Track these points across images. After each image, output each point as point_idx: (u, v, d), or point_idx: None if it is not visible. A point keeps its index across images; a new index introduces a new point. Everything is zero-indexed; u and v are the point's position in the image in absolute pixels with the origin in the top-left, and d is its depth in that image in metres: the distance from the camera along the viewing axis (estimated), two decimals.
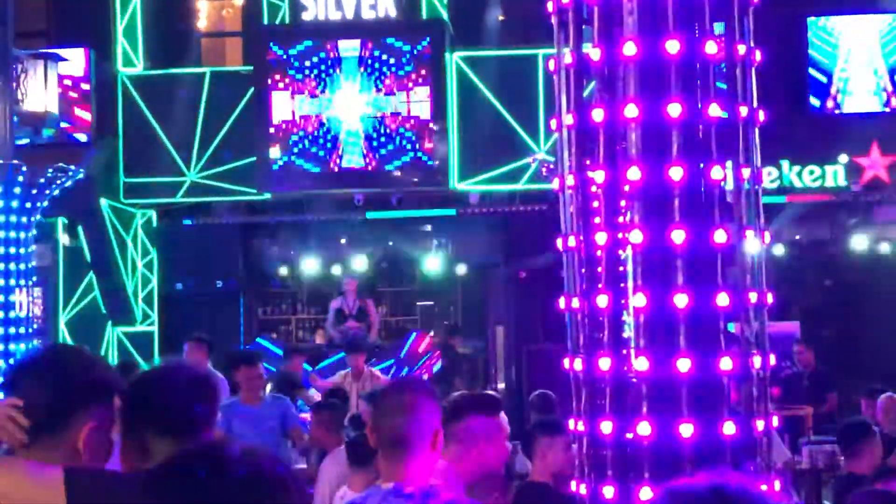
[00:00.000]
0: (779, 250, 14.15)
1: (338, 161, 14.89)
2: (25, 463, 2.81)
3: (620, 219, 4.27)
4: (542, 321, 14.92)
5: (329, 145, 14.89)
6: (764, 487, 1.18)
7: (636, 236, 4.16)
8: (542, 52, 14.35)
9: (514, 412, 10.84)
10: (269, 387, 10.64)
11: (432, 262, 16.47)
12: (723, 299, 4.16)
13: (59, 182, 11.82)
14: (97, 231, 15.39)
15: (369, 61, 14.79)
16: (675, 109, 4.18)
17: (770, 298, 4.32)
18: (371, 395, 9.64)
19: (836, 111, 15.24)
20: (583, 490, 4.27)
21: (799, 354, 13.19)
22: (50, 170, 11.69)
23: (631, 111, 4.23)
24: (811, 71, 15.22)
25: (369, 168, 14.85)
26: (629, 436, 4.14)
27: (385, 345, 15.45)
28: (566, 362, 4.38)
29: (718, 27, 4.32)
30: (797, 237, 15.61)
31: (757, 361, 4.23)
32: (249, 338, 16.04)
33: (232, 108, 15.24)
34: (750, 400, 4.20)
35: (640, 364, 4.09)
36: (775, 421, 4.27)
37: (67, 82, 14.90)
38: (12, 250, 11.55)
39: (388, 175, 14.83)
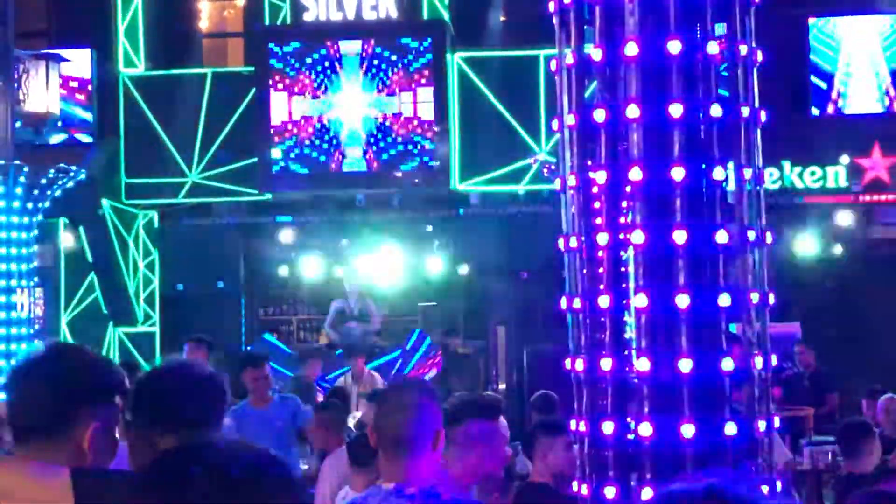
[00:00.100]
0: (779, 251, 14.15)
1: (339, 162, 14.89)
2: (31, 463, 2.79)
3: (622, 219, 4.26)
4: (543, 322, 14.91)
5: (330, 146, 14.89)
6: (765, 488, 1.17)
7: (638, 236, 4.16)
8: (544, 53, 14.34)
9: (515, 413, 10.86)
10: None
11: (434, 263, 16.46)
12: (724, 300, 4.16)
13: (60, 183, 11.82)
14: (99, 231, 15.39)
15: (371, 62, 14.79)
16: (676, 109, 4.18)
17: (771, 299, 4.31)
18: (372, 396, 9.65)
19: (838, 112, 15.23)
20: (584, 490, 4.27)
21: (800, 355, 13.19)
22: (51, 170, 11.69)
23: (632, 111, 4.23)
24: (812, 72, 15.22)
25: (370, 169, 14.85)
26: (631, 436, 4.13)
27: (386, 345, 15.44)
28: (568, 363, 4.38)
29: (720, 28, 4.32)
30: (797, 238, 15.60)
31: (758, 362, 4.23)
32: (250, 338, 16.04)
33: (233, 109, 15.24)
34: (751, 400, 4.19)
35: (642, 364, 4.09)
36: (777, 421, 4.26)
37: (72, 83, 14.92)
38: (14, 251, 11.55)
39: (389, 176, 14.83)
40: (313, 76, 14.83)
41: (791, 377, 12.94)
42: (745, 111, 4.35)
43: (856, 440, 7.55)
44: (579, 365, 4.34)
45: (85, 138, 15.55)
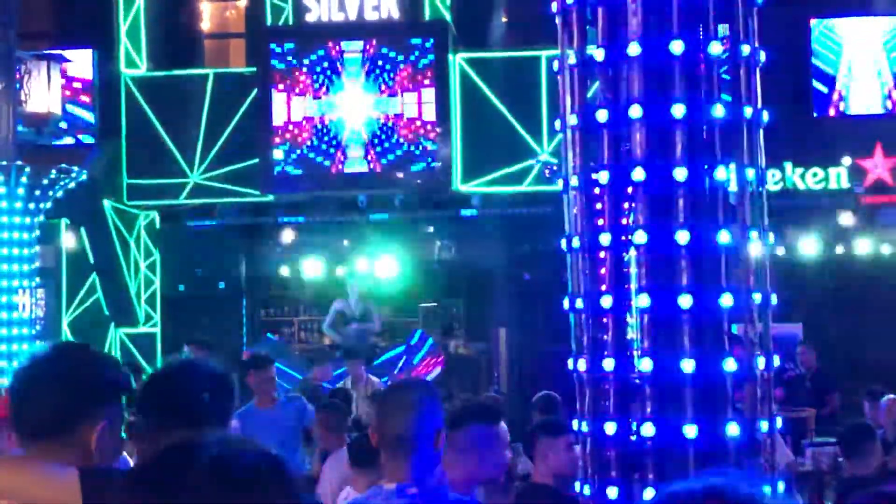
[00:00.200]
0: (781, 252, 14.14)
1: (340, 163, 14.89)
2: (40, 463, 2.79)
3: (625, 220, 4.26)
4: (545, 323, 14.90)
5: (332, 147, 14.88)
6: (767, 488, 1.16)
7: (640, 237, 4.15)
8: (546, 54, 14.33)
9: (516, 414, 10.84)
10: None
11: (435, 264, 16.47)
12: (727, 300, 4.15)
13: (62, 183, 11.82)
14: (100, 232, 15.39)
15: (373, 63, 14.79)
16: (679, 110, 4.17)
17: (774, 299, 4.30)
18: (373, 396, 9.65)
19: (840, 113, 15.22)
20: (587, 491, 4.26)
21: (801, 356, 13.18)
22: (53, 171, 11.69)
23: (635, 111, 4.23)
24: (814, 74, 15.21)
25: (372, 170, 14.85)
26: (633, 437, 4.13)
27: (386, 345, 15.43)
28: (570, 363, 4.37)
29: (723, 30, 4.32)
30: (799, 239, 15.59)
31: (761, 362, 4.22)
32: (252, 339, 16.04)
33: (235, 110, 15.24)
34: (754, 401, 4.19)
35: (645, 365, 4.08)
36: (779, 422, 4.25)
37: (75, 84, 14.92)
38: (15, 251, 11.55)
39: (390, 177, 14.82)
40: (315, 77, 14.83)
41: (792, 378, 12.93)
42: (748, 112, 4.34)
43: (858, 442, 7.54)
44: (582, 365, 4.34)
45: (87, 139, 15.55)
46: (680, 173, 4.16)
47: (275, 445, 1.80)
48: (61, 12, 16.06)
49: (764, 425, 4.18)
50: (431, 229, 16.40)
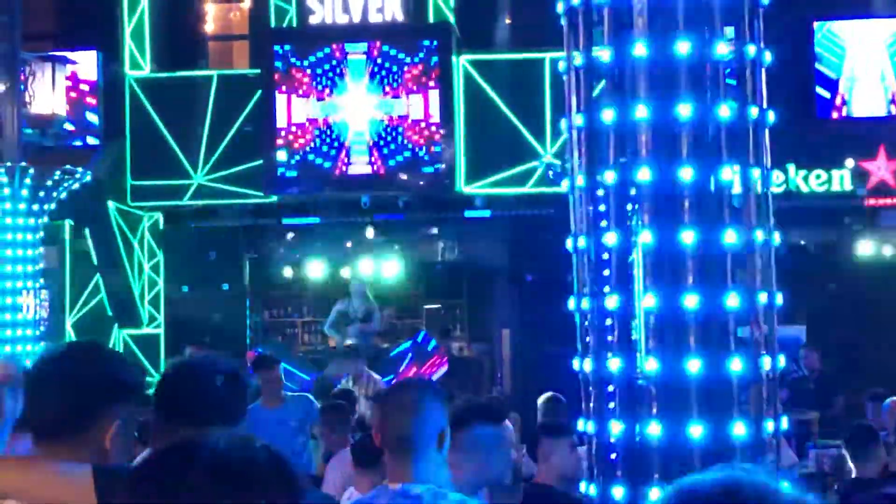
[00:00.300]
0: (784, 253, 14.09)
1: (344, 164, 14.89)
2: (55, 462, 2.78)
3: (631, 222, 4.26)
4: (548, 324, 14.90)
5: (335, 148, 14.89)
6: (784, 483, 1.16)
7: (646, 237, 4.15)
8: (549, 56, 14.34)
9: (520, 415, 10.82)
10: None
11: (438, 266, 16.47)
12: (733, 300, 4.15)
13: (66, 184, 11.84)
14: (104, 234, 15.40)
15: (376, 64, 14.79)
16: (684, 111, 4.17)
17: (780, 299, 4.30)
18: (375, 396, 9.65)
19: (843, 115, 15.22)
20: (593, 491, 4.26)
21: (805, 358, 13.17)
22: (57, 172, 11.71)
23: (641, 112, 4.23)
24: (818, 75, 15.20)
25: (375, 171, 14.85)
26: (639, 437, 4.13)
27: (389, 346, 15.42)
28: (576, 363, 4.37)
29: (728, 32, 4.32)
30: (802, 241, 15.59)
31: (766, 363, 4.22)
32: (255, 341, 16.05)
33: (239, 112, 15.25)
34: (760, 401, 4.18)
35: (650, 365, 4.08)
36: (785, 422, 4.25)
37: (81, 86, 14.94)
38: (20, 252, 11.57)
39: (394, 178, 14.82)
40: (318, 78, 14.84)
41: (796, 380, 12.92)
42: (754, 112, 4.34)
43: (862, 444, 7.55)
44: (587, 366, 4.34)
45: (91, 140, 15.57)
46: (685, 174, 4.16)
47: (280, 445, 1.80)
48: (66, 14, 16.08)
49: (770, 426, 4.17)
50: (435, 231, 16.41)
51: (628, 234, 4.22)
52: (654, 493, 4.01)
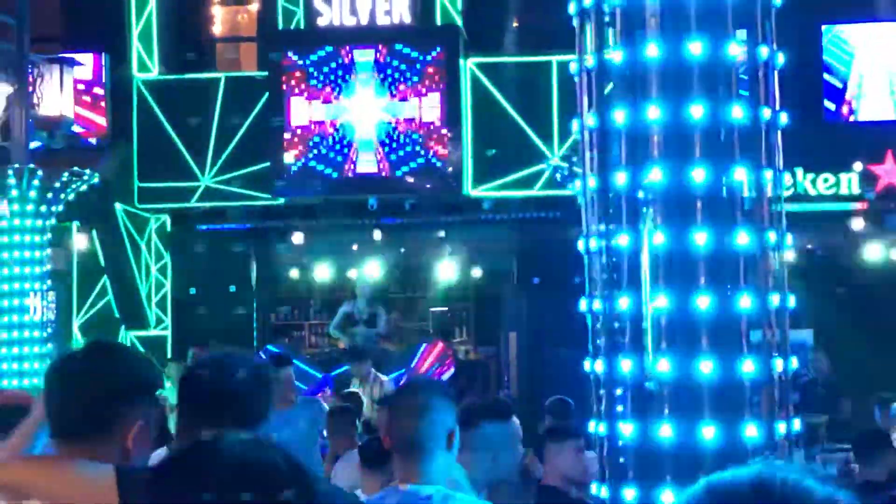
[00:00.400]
0: (792, 257, 14.10)
1: (352, 166, 14.90)
2: (78, 463, 2.77)
3: (643, 224, 4.25)
4: (555, 327, 14.89)
5: (343, 151, 14.90)
6: (810, 481, 1.14)
7: (658, 239, 4.14)
8: (557, 59, 14.34)
9: (527, 418, 10.82)
10: None
11: (445, 269, 16.46)
12: (745, 302, 4.14)
13: (73, 186, 11.85)
14: (111, 235, 15.43)
15: (384, 67, 14.80)
16: (697, 112, 4.16)
17: (792, 301, 4.29)
18: (385, 398, 9.64)
19: (851, 119, 15.20)
20: (605, 493, 4.25)
21: (814, 362, 13.14)
22: (65, 174, 11.73)
23: (653, 113, 4.22)
24: (826, 78, 15.18)
25: (383, 174, 14.85)
26: (650, 439, 4.12)
27: (395, 349, 15.40)
28: (587, 364, 4.36)
29: (740, 35, 4.31)
30: (810, 245, 15.56)
31: (778, 364, 4.21)
32: (262, 343, 16.04)
33: (246, 114, 15.27)
34: (772, 404, 4.17)
35: (662, 367, 4.07)
36: (797, 424, 4.24)
37: (83, 87, 14.95)
38: (27, 254, 11.59)
39: (401, 181, 14.83)
40: (326, 81, 14.85)
41: (806, 384, 12.90)
42: (766, 113, 4.33)
43: (871, 448, 7.55)
44: (598, 367, 4.33)
45: (98, 142, 15.59)
46: (698, 175, 4.15)
47: (290, 445, 1.79)
48: (73, 16, 16.10)
49: (781, 428, 4.16)
50: (442, 233, 16.40)
51: (640, 235, 4.21)
52: (667, 494, 4.00)
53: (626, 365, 4.18)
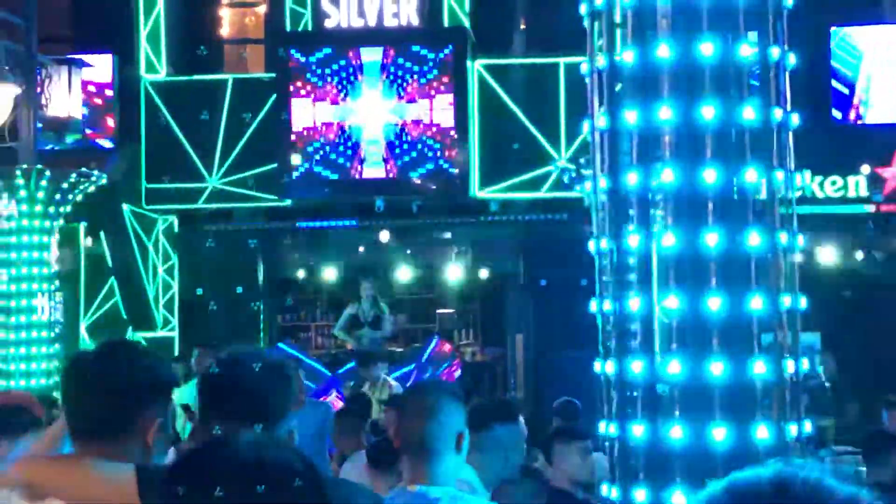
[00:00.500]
0: (799, 259, 14.05)
1: (359, 168, 14.91)
2: (97, 462, 2.77)
3: (655, 226, 4.25)
4: (562, 329, 14.88)
5: (350, 152, 14.91)
6: (831, 480, 1.13)
7: (669, 240, 4.14)
8: (564, 61, 14.35)
9: (534, 420, 10.82)
10: None
11: (452, 270, 16.47)
12: (756, 303, 4.14)
13: (81, 187, 11.88)
14: (119, 236, 15.44)
15: (391, 69, 14.80)
16: (708, 112, 4.16)
17: (803, 303, 4.29)
18: (393, 400, 9.63)
19: (859, 122, 15.18)
20: (615, 494, 4.25)
21: (821, 365, 13.12)
22: (73, 175, 11.75)
23: (665, 114, 4.22)
24: (834, 81, 15.17)
25: (390, 175, 14.86)
26: (661, 440, 4.11)
27: (401, 351, 15.41)
28: (597, 365, 4.36)
29: (752, 37, 4.30)
30: (817, 247, 15.54)
31: (790, 366, 4.20)
32: (270, 344, 16.04)
33: (254, 115, 15.28)
34: (783, 405, 4.17)
35: (673, 368, 4.07)
36: (809, 427, 4.23)
37: (91, 88, 14.98)
38: (35, 254, 11.61)
39: (408, 183, 14.83)
40: (334, 83, 14.86)
41: (815, 387, 12.88)
42: (778, 114, 4.33)
43: (879, 450, 7.53)
44: (609, 368, 4.33)
45: (106, 143, 15.62)
46: (709, 176, 4.14)
47: (298, 446, 1.79)
48: (82, 17, 16.13)
49: (793, 429, 4.16)
50: (449, 235, 16.41)
51: (651, 236, 4.20)
52: (677, 495, 4.00)
53: (636, 366, 4.18)
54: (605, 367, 4.32)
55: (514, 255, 16.02)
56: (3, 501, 2.79)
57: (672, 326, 4.12)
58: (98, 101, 15.41)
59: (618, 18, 4.37)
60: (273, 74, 15.31)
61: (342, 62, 14.87)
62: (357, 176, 14.89)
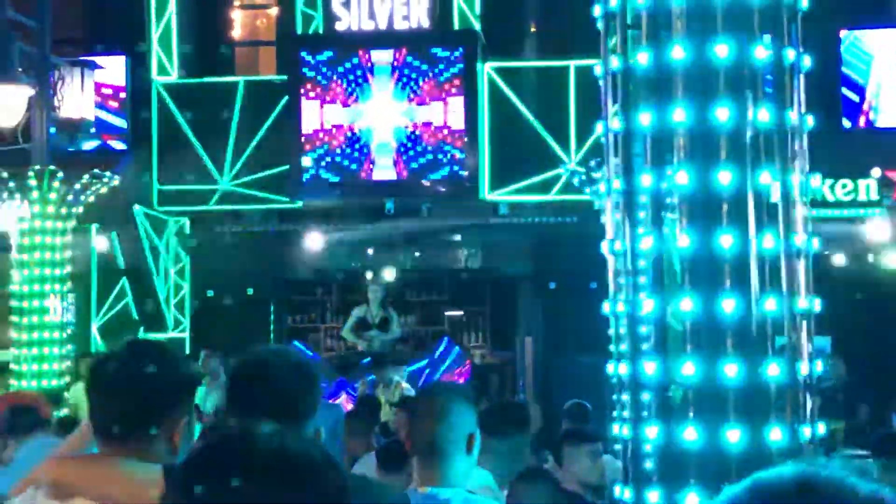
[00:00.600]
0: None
1: (369, 170, 14.93)
2: (125, 462, 2.79)
3: (670, 226, 4.25)
4: (571, 332, 14.89)
5: (360, 155, 14.93)
6: (854, 479, 1.14)
7: (683, 241, 4.15)
8: (574, 64, 14.36)
9: (543, 423, 10.82)
10: None
11: (461, 272, 16.48)
12: (770, 305, 4.14)
13: (93, 188, 11.91)
14: (130, 238, 15.48)
15: (402, 71, 14.83)
16: (723, 114, 4.17)
17: (818, 305, 4.30)
18: (404, 402, 9.65)
19: (869, 125, 15.16)
20: (628, 495, 4.26)
21: (832, 368, 13.09)
22: (85, 176, 11.78)
23: (679, 116, 4.22)
24: (844, 85, 15.16)
25: (400, 178, 14.88)
26: (674, 441, 4.12)
27: (410, 352, 15.41)
28: (610, 367, 4.37)
29: (766, 40, 4.31)
30: (827, 251, 15.52)
31: (803, 368, 4.21)
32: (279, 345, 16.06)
33: (265, 118, 15.32)
34: (797, 407, 4.17)
35: (687, 370, 4.08)
36: (822, 428, 4.24)
37: (104, 90, 15.03)
38: (47, 255, 11.65)
39: (418, 185, 14.85)
40: (344, 85, 14.89)
41: (825, 389, 12.86)
42: (793, 117, 4.34)
43: (889, 453, 7.52)
44: (623, 369, 4.34)
45: (118, 145, 15.67)
46: (723, 177, 4.15)
47: None
48: (94, 19, 16.19)
49: (806, 431, 4.16)
50: (458, 237, 16.42)
51: (665, 238, 4.21)
52: (691, 497, 4.01)
53: (650, 368, 4.19)
54: (617, 369, 4.33)
55: (524, 257, 16.02)
56: (29, 500, 2.81)
57: (686, 328, 4.13)
58: (110, 102, 15.46)
59: (631, 20, 4.39)
60: (284, 77, 15.35)
61: (353, 65, 14.89)
62: (367, 178, 14.91)
